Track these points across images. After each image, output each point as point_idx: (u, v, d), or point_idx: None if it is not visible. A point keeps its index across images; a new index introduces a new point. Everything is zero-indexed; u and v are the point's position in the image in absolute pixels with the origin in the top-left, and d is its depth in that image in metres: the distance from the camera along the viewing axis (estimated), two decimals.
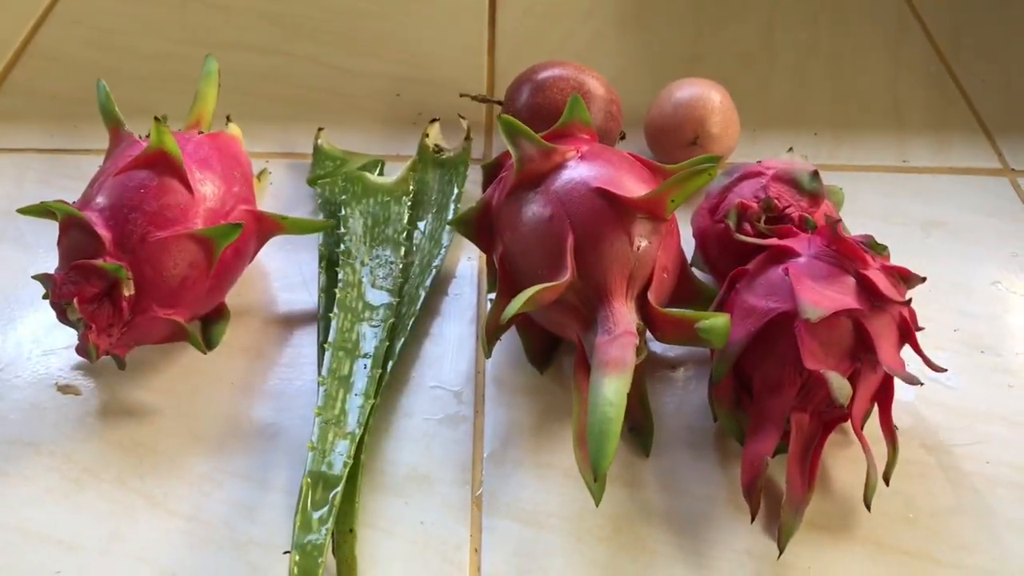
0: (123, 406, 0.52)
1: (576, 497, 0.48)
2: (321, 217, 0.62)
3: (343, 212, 0.60)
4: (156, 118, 0.50)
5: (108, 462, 0.49)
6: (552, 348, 0.55)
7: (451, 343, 0.56)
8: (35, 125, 0.71)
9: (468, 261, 0.62)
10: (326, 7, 0.85)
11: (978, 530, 0.47)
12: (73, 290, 0.48)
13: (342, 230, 0.59)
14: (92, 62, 0.78)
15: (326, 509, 0.44)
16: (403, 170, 0.64)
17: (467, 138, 0.67)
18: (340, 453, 0.47)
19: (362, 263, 0.57)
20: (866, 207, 0.66)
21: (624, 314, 0.47)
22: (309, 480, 0.45)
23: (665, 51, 0.81)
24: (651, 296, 0.48)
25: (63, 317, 0.49)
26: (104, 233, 0.49)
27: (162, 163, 0.51)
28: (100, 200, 0.50)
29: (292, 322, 0.57)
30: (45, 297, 0.50)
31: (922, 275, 0.49)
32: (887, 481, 0.48)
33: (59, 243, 0.51)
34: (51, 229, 0.51)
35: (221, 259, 0.51)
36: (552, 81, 0.63)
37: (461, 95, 0.69)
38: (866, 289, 0.47)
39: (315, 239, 0.61)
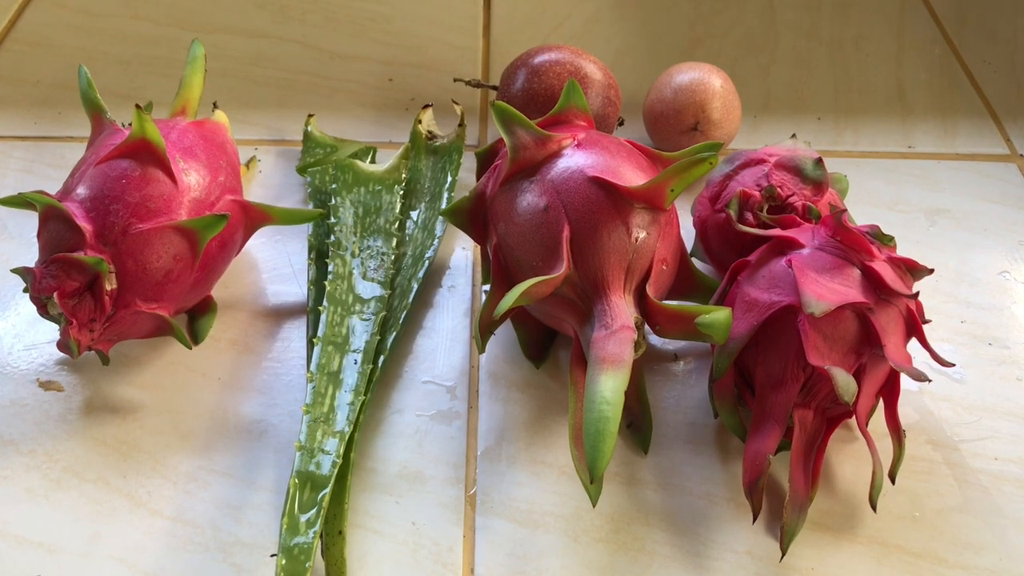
0: (107, 403, 0.50)
1: (573, 496, 0.47)
2: (311, 206, 0.60)
3: (333, 201, 0.58)
4: (138, 106, 0.49)
5: (90, 461, 0.48)
6: (548, 341, 0.54)
7: (444, 336, 0.55)
8: (18, 111, 0.70)
9: (462, 251, 0.60)
10: None
11: (985, 529, 0.46)
12: (53, 284, 0.46)
13: (332, 220, 0.57)
14: (76, 47, 0.76)
15: (314, 511, 0.43)
16: (395, 158, 0.62)
17: (461, 124, 0.65)
18: (329, 452, 0.45)
19: (353, 254, 0.55)
20: (870, 194, 0.65)
21: (622, 308, 0.46)
22: (297, 481, 0.44)
23: (664, 34, 0.79)
24: (650, 289, 0.47)
25: (44, 312, 0.48)
26: (85, 225, 0.47)
27: (144, 152, 0.49)
28: (81, 191, 0.49)
29: (281, 315, 0.55)
30: (26, 291, 0.48)
31: (929, 266, 0.48)
32: (893, 479, 0.46)
33: (39, 235, 0.49)
34: (35, 219, 0.50)
35: (207, 251, 0.50)
36: (548, 66, 0.62)
37: (455, 80, 0.68)
38: (872, 282, 0.46)
39: (306, 229, 0.59)
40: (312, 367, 0.49)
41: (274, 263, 0.58)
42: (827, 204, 0.53)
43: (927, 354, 0.47)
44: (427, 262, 0.56)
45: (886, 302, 0.45)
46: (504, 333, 0.54)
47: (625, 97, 0.65)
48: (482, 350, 0.49)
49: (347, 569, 0.43)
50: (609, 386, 0.42)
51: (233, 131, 0.57)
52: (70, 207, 0.48)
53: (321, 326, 0.51)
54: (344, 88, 0.73)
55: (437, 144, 0.64)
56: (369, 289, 0.54)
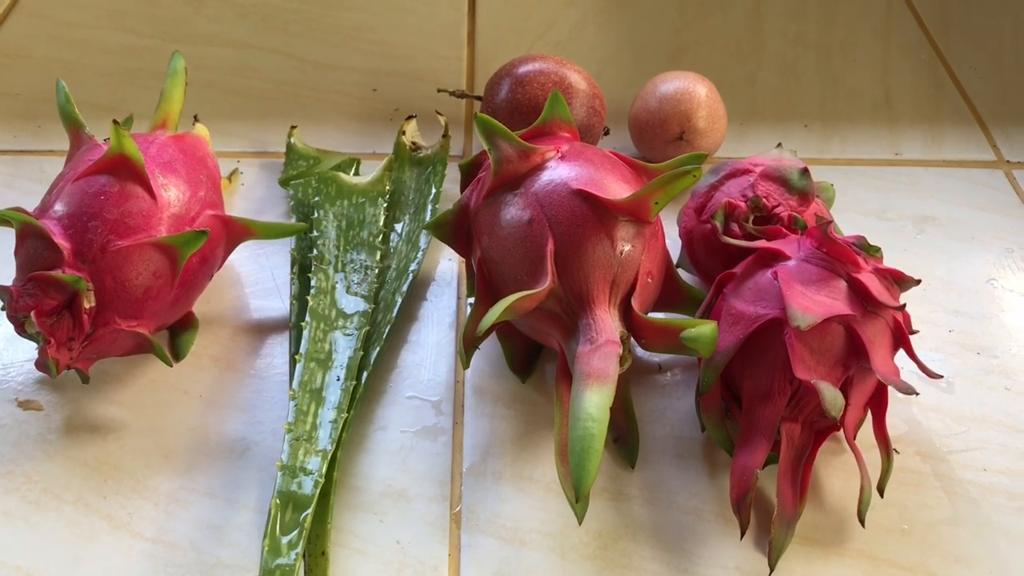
0: (87, 422, 0.50)
1: (559, 512, 0.47)
2: (294, 219, 0.60)
3: (316, 214, 0.57)
4: (115, 121, 0.48)
5: (70, 482, 0.47)
6: (534, 355, 0.53)
7: (429, 351, 0.54)
8: None
9: (447, 263, 0.59)
10: None
11: (976, 542, 0.46)
12: (30, 303, 0.46)
13: (315, 233, 0.56)
14: (56, 58, 0.75)
15: (296, 532, 0.42)
16: (379, 169, 0.62)
17: (445, 135, 0.64)
18: (311, 472, 0.45)
19: (336, 268, 0.55)
20: (857, 202, 0.65)
21: (607, 322, 0.45)
22: (278, 501, 0.43)
23: (650, 41, 0.79)
24: (635, 303, 0.46)
25: (21, 330, 0.47)
26: (63, 243, 0.47)
27: (123, 168, 0.48)
28: (58, 208, 0.48)
29: (264, 331, 0.55)
30: (2, 310, 0.47)
31: (916, 276, 0.48)
32: (881, 492, 0.46)
33: (16, 253, 0.48)
34: (12, 236, 0.49)
35: (187, 267, 0.49)
36: (532, 76, 0.61)
37: (439, 90, 0.67)
38: (858, 294, 0.45)
39: (289, 242, 0.58)
40: (294, 384, 0.49)
41: (257, 277, 0.58)
42: (813, 214, 0.52)
43: (915, 365, 0.47)
44: (411, 275, 0.56)
45: (873, 314, 0.45)
46: (489, 347, 0.53)
47: (611, 106, 0.65)
48: (466, 365, 0.48)
49: None
50: (594, 402, 0.41)
51: (215, 143, 0.57)
52: (47, 224, 0.47)
53: (303, 342, 0.50)
54: (327, 99, 0.72)
55: (421, 155, 0.64)
56: (352, 303, 0.53)
